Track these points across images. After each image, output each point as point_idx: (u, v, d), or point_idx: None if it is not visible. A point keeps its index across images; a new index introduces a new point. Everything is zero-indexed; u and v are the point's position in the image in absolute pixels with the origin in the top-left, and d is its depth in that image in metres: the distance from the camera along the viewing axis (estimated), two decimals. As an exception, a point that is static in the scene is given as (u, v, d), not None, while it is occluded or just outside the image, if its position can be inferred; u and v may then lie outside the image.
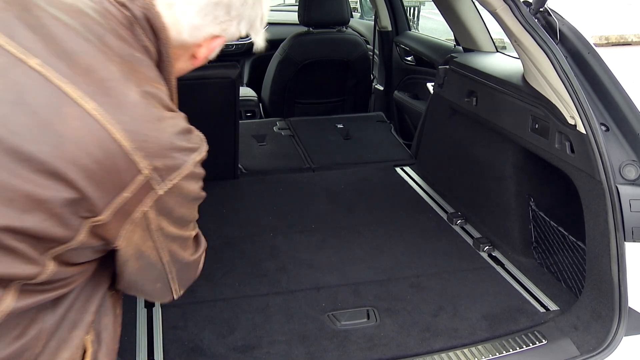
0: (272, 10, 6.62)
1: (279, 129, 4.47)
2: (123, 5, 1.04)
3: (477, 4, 3.18)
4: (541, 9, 2.41)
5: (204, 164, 1.06)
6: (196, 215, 1.14)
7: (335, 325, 2.42)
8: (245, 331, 2.38)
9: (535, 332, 2.36)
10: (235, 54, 5.69)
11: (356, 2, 6.83)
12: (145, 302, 2.54)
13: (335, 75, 4.82)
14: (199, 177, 1.06)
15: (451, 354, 2.26)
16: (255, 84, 5.32)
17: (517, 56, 2.76)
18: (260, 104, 4.92)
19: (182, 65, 1.19)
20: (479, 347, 2.29)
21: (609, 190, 2.19)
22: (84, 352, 1.10)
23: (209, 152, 1.07)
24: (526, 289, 2.69)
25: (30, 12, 0.96)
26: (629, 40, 12.02)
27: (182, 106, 1.11)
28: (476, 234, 3.16)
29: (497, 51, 3.57)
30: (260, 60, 5.43)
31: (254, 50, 1.24)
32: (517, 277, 2.79)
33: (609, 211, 2.19)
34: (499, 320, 2.46)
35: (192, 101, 3.35)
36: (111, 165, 0.93)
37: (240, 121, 4.65)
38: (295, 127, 4.52)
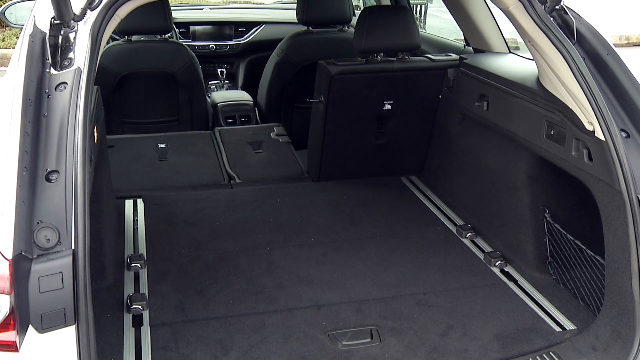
0: (268, 9, 6.67)
1: (276, 135, 4.48)
2: None
3: (488, 1, 3.19)
4: (557, 7, 2.42)
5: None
6: None
7: (337, 346, 2.42)
8: (240, 352, 2.37)
9: (551, 352, 2.36)
10: (230, 54, 5.71)
11: (358, 0, 6.85)
12: (133, 321, 2.54)
13: None
14: None
15: None
16: (250, 87, 5.32)
17: (531, 57, 2.78)
18: (256, 109, 4.93)
19: None
20: None
21: (630, 201, 2.19)
22: None
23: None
24: (541, 307, 2.69)
25: None
26: (651, 40, 12.06)
27: None
28: (487, 248, 3.17)
29: (510, 52, 3.59)
30: (256, 62, 5.44)
31: None
32: (531, 294, 2.79)
33: (630, 224, 2.19)
34: (512, 341, 2.46)
35: None
36: None
37: (234, 127, 4.66)
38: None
